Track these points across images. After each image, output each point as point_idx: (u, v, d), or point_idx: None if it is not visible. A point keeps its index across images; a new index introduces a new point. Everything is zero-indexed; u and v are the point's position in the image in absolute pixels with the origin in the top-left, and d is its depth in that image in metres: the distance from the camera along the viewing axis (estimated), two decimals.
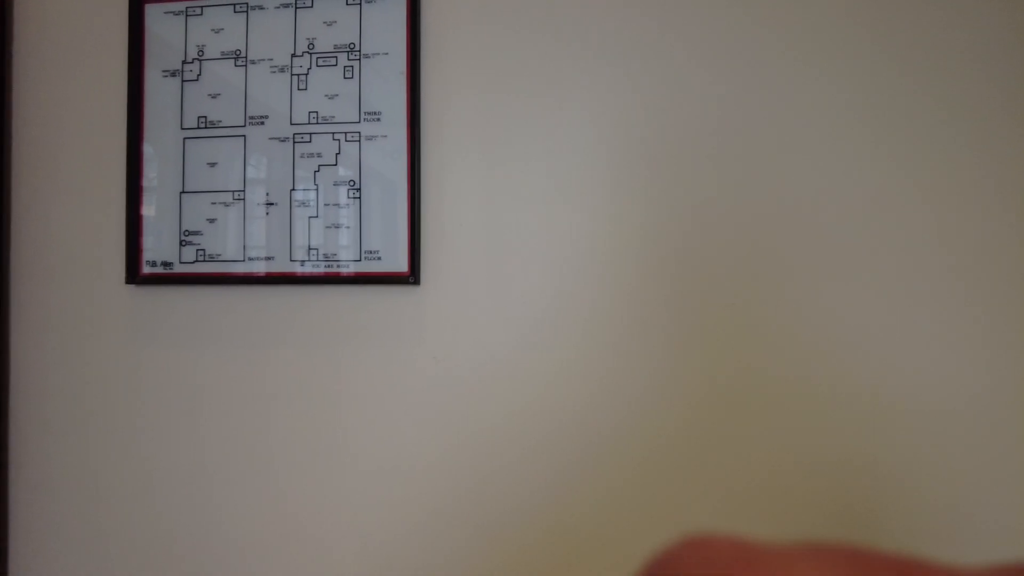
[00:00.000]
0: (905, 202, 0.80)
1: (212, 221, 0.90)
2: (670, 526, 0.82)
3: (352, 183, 0.87)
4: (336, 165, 0.87)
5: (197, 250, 0.90)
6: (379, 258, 0.87)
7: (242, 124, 0.89)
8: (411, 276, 0.86)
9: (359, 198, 0.87)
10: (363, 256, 0.87)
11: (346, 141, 0.87)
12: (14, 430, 0.95)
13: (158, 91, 0.91)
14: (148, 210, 0.91)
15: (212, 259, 0.90)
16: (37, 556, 0.94)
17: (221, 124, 0.90)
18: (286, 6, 0.89)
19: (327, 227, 0.87)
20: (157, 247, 0.91)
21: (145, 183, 0.91)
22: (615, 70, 0.85)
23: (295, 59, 0.89)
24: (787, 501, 0.80)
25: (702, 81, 0.83)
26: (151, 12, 0.92)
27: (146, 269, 0.91)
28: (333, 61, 0.88)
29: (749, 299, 0.82)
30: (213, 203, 0.90)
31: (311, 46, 0.88)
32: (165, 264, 0.91)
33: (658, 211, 0.83)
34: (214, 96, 0.90)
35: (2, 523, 0.95)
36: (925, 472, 0.78)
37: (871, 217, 0.80)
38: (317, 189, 0.88)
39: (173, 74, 0.91)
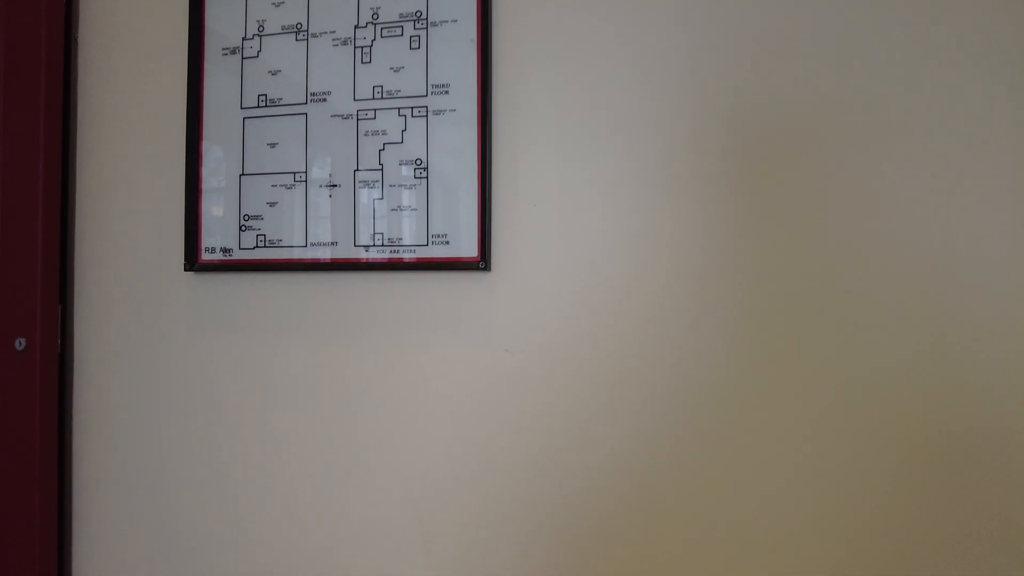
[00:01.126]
0: None
1: (273, 205, 0.85)
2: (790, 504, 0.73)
3: (419, 161, 0.81)
4: (402, 143, 0.82)
5: (257, 235, 0.86)
6: (447, 242, 0.80)
7: (303, 102, 0.85)
8: (481, 261, 0.79)
9: (426, 178, 0.81)
10: (430, 240, 0.81)
11: (412, 116, 0.81)
12: (77, 419, 0.94)
13: (217, 70, 0.88)
14: (207, 194, 0.88)
15: (273, 245, 0.85)
16: (99, 546, 0.93)
17: (282, 102, 0.85)
18: None
19: (392, 210, 0.82)
20: (216, 233, 0.87)
21: (204, 166, 0.88)
22: (704, 35, 0.76)
23: (358, 30, 0.83)
24: (915, 457, 0.71)
25: (803, 54, 0.74)
26: None
27: (205, 256, 0.88)
28: (398, 31, 0.82)
29: (866, 291, 0.72)
30: (274, 185, 0.85)
31: (375, 16, 0.83)
32: (224, 250, 0.87)
33: (746, 195, 0.74)
34: (274, 73, 0.86)
35: (65, 513, 0.93)
36: None
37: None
38: (382, 169, 0.82)
39: (233, 52, 0.87)
